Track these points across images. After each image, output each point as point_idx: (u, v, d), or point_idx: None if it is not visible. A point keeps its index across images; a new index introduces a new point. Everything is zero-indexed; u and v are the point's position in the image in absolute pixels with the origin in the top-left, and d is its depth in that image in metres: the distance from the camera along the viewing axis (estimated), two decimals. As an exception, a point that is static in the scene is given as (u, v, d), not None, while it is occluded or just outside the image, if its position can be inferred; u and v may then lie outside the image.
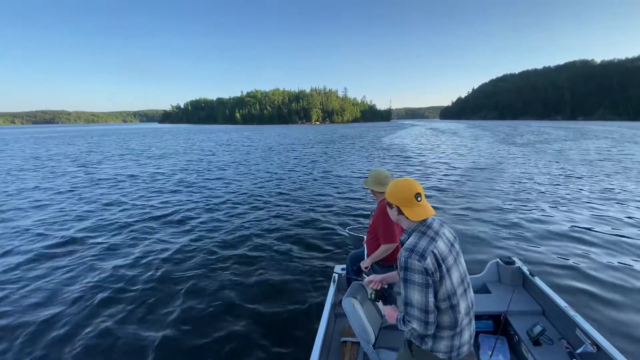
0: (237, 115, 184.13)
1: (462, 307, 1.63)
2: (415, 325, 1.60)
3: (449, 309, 1.61)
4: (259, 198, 9.18)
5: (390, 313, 1.89)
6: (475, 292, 3.36)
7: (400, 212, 1.72)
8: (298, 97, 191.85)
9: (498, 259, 3.52)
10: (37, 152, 24.44)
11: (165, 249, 5.52)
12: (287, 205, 8.32)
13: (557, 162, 15.73)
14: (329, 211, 7.71)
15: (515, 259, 3.51)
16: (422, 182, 11.07)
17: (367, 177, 2.84)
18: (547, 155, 18.47)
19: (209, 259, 5.13)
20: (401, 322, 1.70)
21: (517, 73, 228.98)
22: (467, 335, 1.66)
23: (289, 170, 14.35)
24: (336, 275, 3.37)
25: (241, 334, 3.40)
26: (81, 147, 30.17)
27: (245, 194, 9.79)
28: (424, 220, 1.69)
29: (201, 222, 6.98)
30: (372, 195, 2.62)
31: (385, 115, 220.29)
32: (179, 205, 8.47)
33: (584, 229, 6.20)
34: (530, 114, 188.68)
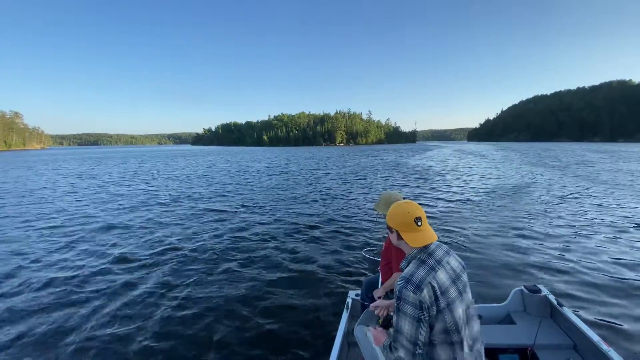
0: (265, 137, 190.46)
1: (465, 344, 1.55)
2: (401, 353, 1.55)
3: (447, 344, 1.52)
4: (273, 214, 9.33)
5: (378, 336, 1.82)
6: (498, 322, 3.18)
7: (400, 237, 1.68)
8: (323, 119, 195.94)
9: (523, 287, 3.33)
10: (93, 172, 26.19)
11: (181, 261, 5.68)
12: (302, 223, 8.38)
13: (592, 185, 14.87)
14: (348, 231, 7.67)
15: (541, 287, 3.31)
16: (445, 205, 10.84)
17: (377, 201, 2.81)
18: (581, 179, 17.51)
19: (218, 272, 5.23)
20: (388, 349, 1.63)
21: (549, 94, 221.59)
22: None
23: (308, 187, 14.54)
24: (350, 301, 3.29)
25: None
26: (127, 166, 32.09)
27: (260, 209, 9.99)
28: (426, 247, 1.64)
29: (211, 236, 7.18)
30: (383, 218, 2.57)
31: (410, 137, 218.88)
32: (196, 226, 8.71)
33: (617, 259, 5.78)
34: (566, 135, 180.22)
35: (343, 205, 10.87)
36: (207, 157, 53.23)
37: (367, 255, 4.49)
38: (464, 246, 6.46)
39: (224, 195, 13.33)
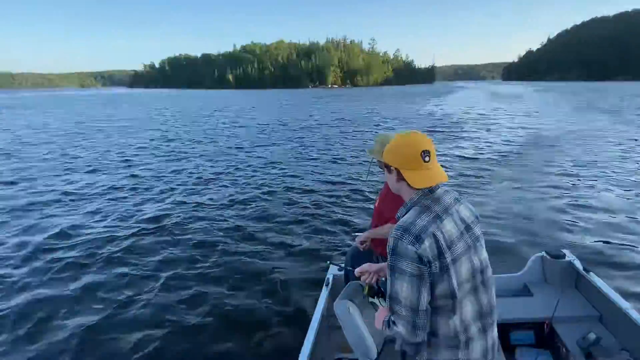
0: (229, 76, 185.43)
1: (468, 310, 1.60)
2: (400, 327, 1.57)
3: (449, 311, 1.57)
4: (247, 180, 9.66)
5: (381, 314, 1.84)
6: (512, 295, 3.42)
7: (400, 177, 1.67)
8: (309, 52, 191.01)
9: (544, 252, 3.53)
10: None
11: (140, 238, 6.01)
12: (279, 191, 8.70)
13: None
14: (332, 200, 8.00)
15: (566, 251, 3.52)
16: (464, 163, 11.19)
17: (372, 146, 2.90)
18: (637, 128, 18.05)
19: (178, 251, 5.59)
20: (386, 325, 1.67)
21: (611, 16, 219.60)
22: (479, 348, 1.63)
23: (285, 149, 14.86)
24: (330, 277, 3.41)
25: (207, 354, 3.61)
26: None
27: (231, 174, 10.26)
28: (431, 191, 1.65)
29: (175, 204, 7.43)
30: (378, 167, 2.63)
31: (427, 76, 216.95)
32: (158, 196, 8.88)
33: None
34: (632, 73, 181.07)
35: (334, 171, 11.17)
36: (136, 106, 51.82)
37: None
38: (481, 206, 6.85)
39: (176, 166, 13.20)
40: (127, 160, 12.73)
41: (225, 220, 6.78)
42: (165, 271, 5.00)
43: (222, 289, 4.58)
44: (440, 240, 1.52)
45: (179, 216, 7.01)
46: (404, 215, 1.64)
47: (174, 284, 4.71)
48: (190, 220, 6.83)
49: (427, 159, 1.61)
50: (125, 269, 5.08)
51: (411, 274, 1.49)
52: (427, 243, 1.49)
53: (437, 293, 1.53)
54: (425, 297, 1.51)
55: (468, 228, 1.64)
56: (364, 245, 2.98)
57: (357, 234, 5.16)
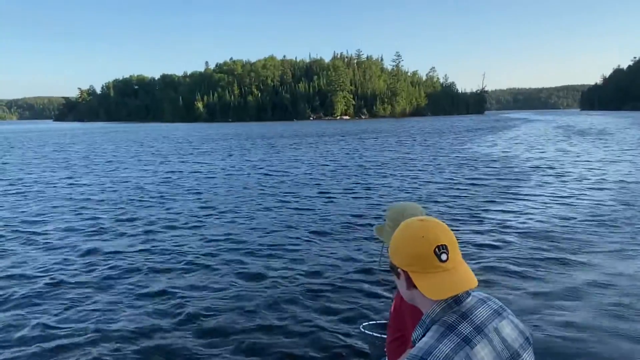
0: (199, 104, 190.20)
1: None
2: None
3: None
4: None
5: None
6: None
7: (411, 284, 1.71)
8: (309, 70, 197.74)
9: None
10: None
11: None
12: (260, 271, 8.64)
13: None
14: (335, 290, 7.99)
15: None
16: (523, 227, 11.21)
17: (382, 221, 2.90)
18: None
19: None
20: None
21: None
22: None
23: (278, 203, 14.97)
24: None
25: None
26: None
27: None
28: (457, 300, 1.69)
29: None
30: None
31: (475, 103, 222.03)
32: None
33: None
34: None
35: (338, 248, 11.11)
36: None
37: (367, 331, 4.93)
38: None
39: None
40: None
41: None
42: None
43: None
44: None
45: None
46: (419, 339, 1.66)
47: None
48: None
49: (444, 257, 1.62)
50: None
51: None
52: None
53: None
54: None
55: (514, 356, 1.65)
56: None
57: (367, 323, 5.38)
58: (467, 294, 1.70)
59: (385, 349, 3.13)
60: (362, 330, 5.00)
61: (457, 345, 1.54)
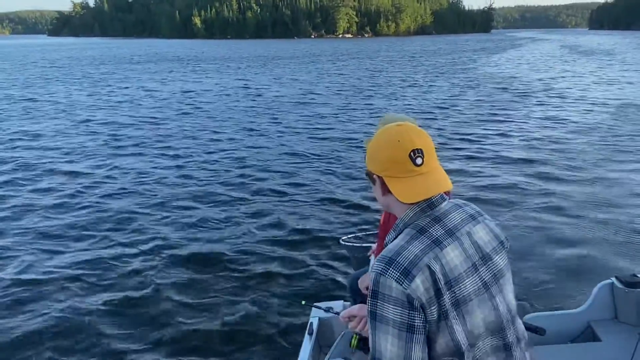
0: (196, 20, 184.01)
1: None
2: None
3: None
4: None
5: None
6: (570, 340, 3.50)
7: (386, 189, 1.66)
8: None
9: (614, 279, 3.59)
10: None
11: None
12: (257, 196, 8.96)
13: None
14: (318, 207, 8.26)
15: None
16: (520, 145, 11.22)
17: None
18: None
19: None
20: None
21: None
22: None
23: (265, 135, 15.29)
24: (315, 321, 3.50)
25: None
26: None
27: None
28: (431, 205, 1.64)
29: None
30: None
31: (482, 21, 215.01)
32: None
33: None
34: None
35: (326, 166, 11.31)
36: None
37: (347, 243, 4.91)
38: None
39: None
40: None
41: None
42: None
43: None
44: (438, 274, 1.47)
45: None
46: (392, 241, 1.63)
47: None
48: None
49: (418, 160, 1.57)
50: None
51: (398, 325, 1.44)
52: (420, 279, 1.44)
53: (438, 351, 1.50)
54: (419, 356, 1.44)
55: (486, 258, 1.61)
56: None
57: (346, 237, 5.39)
58: (442, 198, 1.65)
59: (370, 253, 3.27)
60: (343, 243, 4.95)
61: (427, 246, 1.52)
